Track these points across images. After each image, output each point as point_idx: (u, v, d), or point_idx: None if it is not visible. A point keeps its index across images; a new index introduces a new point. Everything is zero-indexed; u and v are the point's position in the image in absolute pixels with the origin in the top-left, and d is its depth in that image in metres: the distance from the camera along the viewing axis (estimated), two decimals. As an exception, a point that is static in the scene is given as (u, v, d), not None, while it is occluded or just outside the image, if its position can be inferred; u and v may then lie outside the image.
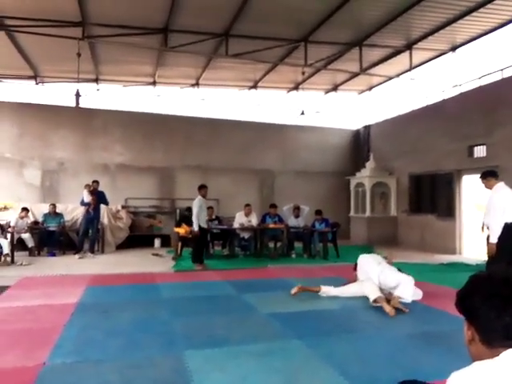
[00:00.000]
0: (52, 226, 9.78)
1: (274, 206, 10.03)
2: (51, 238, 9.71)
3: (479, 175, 5.58)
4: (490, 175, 5.43)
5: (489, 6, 7.90)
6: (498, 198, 5.21)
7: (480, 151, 9.75)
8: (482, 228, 5.71)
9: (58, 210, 10.11)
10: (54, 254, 9.45)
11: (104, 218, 10.35)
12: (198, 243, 8.14)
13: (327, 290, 5.40)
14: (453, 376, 1.12)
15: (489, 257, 5.32)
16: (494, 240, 5.15)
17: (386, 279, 5.25)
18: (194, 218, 7.95)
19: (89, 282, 6.40)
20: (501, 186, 5.32)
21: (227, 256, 9.40)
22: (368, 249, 10.22)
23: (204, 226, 8.16)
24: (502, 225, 5.11)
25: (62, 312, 4.61)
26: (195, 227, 7.92)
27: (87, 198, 9.58)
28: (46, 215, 9.96)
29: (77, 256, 9.11)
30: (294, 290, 5.42)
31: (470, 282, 1.24)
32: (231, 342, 3.67)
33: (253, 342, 3.66)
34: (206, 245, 8.94)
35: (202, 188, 8.23)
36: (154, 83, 12.85)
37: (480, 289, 1.19)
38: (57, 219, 9.93)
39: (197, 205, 7.99)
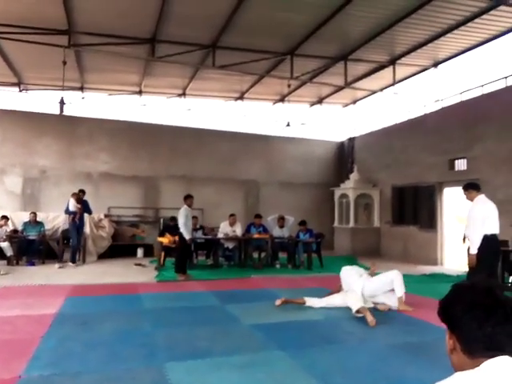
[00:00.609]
0: (32, 235, 9.57)
1: (258, 216, 10.04)
2: (31, 247, 9.49)
3: (461, 187, 5.69)
4: (471, 187, 5.53)
5: (470, 24, 8.15)
6: (478, 210, 5.31)
7: (461, 164, 9.97)
8: (463, 239, 5.80)
9: (38, 219, 9.92)
10: (33, 264, 9.24)
11: (86, 226, 10.19)
12: (181, 253, 8.07)
13: (312, 303, 5.40)
14: None
15: (469, 268, 5.40)
16: (474, 251, 5.24)
17: (373, 286, 5.36)
18: (182, 228, 7.89)
19: (69, 292, 6.27)
20: (481, 198, 5.42)
21: (211, 266, 9.34)
22: (352, 259, 10.30)
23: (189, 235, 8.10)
24: (482, 236, 5.20)
25: (40, 323, 4.50)
26: (186, 236, 7.88)
27: (73, 206, 9.42)
28: (26, 223, 9.76)
29: (57, 265, 8.93)
30: (278, 302, 5.42)
31: (453, 291, 1.23)
32: (214, 353, 3.63)
33: (235, 354, 3.62)
34: (190, 255, 8.87)
35: (188, 198, 8.22)
36: (139, 92, 12.81)
37: (462, 298, 1.18)
38: (37, 228, 9.74)
39: (183, 214, 7.95)
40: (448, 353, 1.22)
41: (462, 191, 5.63)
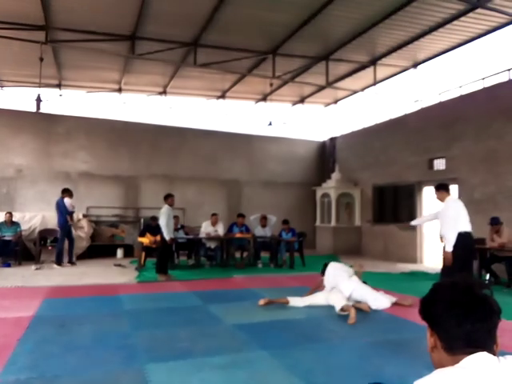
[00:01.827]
0: (8, 236, 9.32)
1: (241, 215, 10.01)
2: (6, 248, 9.23)
3: (434, 187, 5.81)
4: (442, 188, 5.67)
5: (448, 26, 8.32)
6: (451, 209, 5.45)
7: (439, 164, 10.17)
8: (441, 238, 5.92)
9: (14, 219, 9.66)
10: (9, 265, 9.01)
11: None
12: (162, 253, 7.99)
13: (295, 303, 5.41)
14: None
15: (444, 265, 5.51)
16: (449, 249, 5.36)
17: (363, 292, 5.43)
18: (163, 228, 7.81)
19: (46, 294, 6.12)
20: (452, 198, 5.58)
21: (193, 266, 9.27)
22: (333, 258, 10.36)
23: (170, 235, 8.03)
24: (456, 234, 5.32)
25: (16, 326, 4.37)
26: (167, 236, 7.80)
27: (71, 206, 9.25)
28: (1, 224, 9.49)
29: (33, 267, 8.72)
30: (261, 302, 5.41)
31: (434, 289, 1.25)
32: (195, 354, 3.59)
33: (217, 354, 3.59)
34: (171, 255, 8.78)
35: (169, 197, 8.13)
36: (119, 90, 12.61)
37: (443, 297, 1.20)
38: (13, 228, 9.49)
39: (165, 214, 7.86)
40: (429, 350, 1.23)
41: (433, 191, 5.76)
